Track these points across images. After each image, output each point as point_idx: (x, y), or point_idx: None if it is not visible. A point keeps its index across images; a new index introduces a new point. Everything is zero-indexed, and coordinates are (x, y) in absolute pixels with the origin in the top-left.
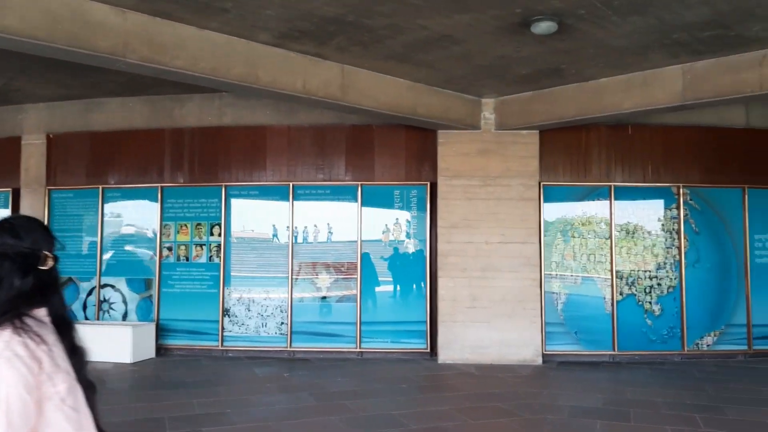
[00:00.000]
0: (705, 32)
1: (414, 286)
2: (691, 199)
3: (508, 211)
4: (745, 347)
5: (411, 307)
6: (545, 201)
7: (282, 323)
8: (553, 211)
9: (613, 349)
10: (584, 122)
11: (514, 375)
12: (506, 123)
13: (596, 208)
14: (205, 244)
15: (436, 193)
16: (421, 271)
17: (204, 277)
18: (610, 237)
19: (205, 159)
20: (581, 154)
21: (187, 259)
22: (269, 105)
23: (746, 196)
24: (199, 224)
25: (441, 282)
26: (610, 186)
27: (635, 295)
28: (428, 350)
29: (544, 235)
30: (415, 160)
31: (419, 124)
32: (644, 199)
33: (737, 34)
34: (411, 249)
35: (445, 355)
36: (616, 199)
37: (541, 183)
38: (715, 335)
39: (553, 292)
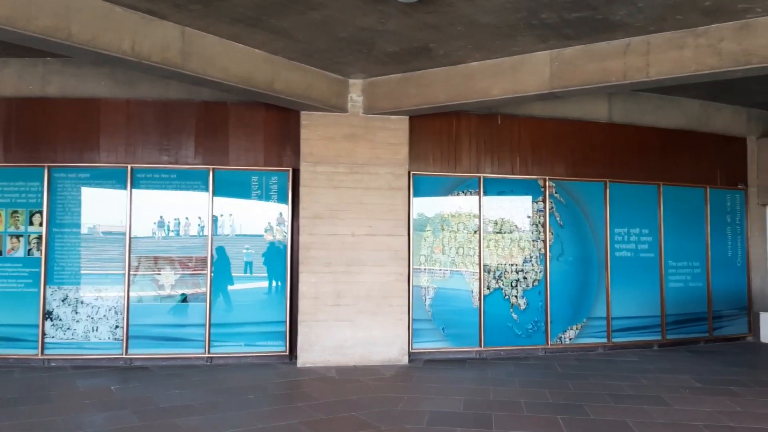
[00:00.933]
0: (573, 13)
1: (273, 282)
2: (556, 192)
3: (376, 201)
4: (604, 340)
5: (269, 306)
6: (415, 191)
7: (117, 327)
8: (422, 201)
9: (480, 345)
10: (455, 109)
11: (376, 377)
12: (375, 106)
13: (466, 200)
14: (22, 235)
15: (298, 181)
16: (281, 266)
17: (21, 274)
18: (479, 230)
19: (24, 135)
20: (452, 144)
21: (0, 253)
22: (105, 74)
23: (607, 190)
24: (15, 212)
25: (303, 277)
26: (480, 177)
27: (502, 289)
28: (287, 353)
29: (413, 228)
30: (275, 143)
31: (279, 102)
32: (512, 191)
33: (604, 18)
34: (270, 242)
35: (305, 358)
36: (485, 190)
37: (411, 172)
38: (577, 328)
39: (422, 287)
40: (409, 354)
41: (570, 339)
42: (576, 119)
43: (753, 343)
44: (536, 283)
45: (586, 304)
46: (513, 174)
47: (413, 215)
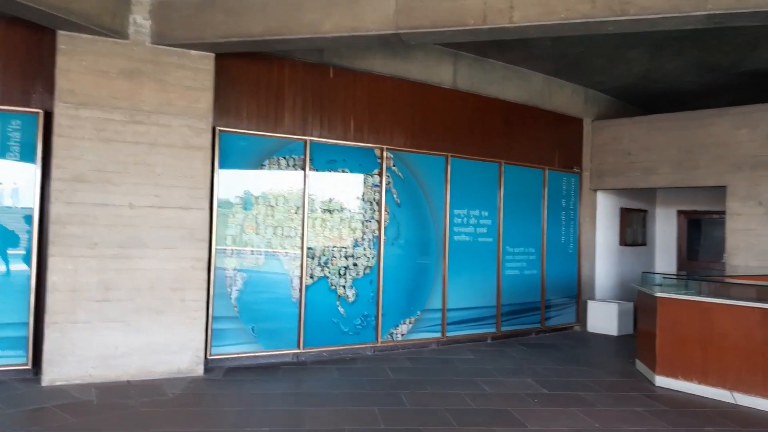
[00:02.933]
0: None
1: (12, 269)
2: (395, 165)
3: (166, 162)
4: (438, 334)
5: (2, 302)
6: (222, 153)
7: None
8: (232, 167)
9: (299, 347)
10: (277, 49)
11: (153, 399)
12: (168, 35)
13: (288, 168)
14: None
15: (51, 129)
16: (23, 247)
17: None
18: (303, 206)
19: None
20: (272, 96)
21: None
22: None
23: (449, 166)
24: None
25: (54, 263)
26: (306, 141)
27: (328, 277)
28: (30, 366)
29: (218, 200)
30: (19, 73)
31: (24, 13)
32: (345, 160)
33: None
34: (6, 214)
35: (54, 374)
36: (312, 158)
37: (217, 128)
38: (410, 322)
39: (227, 277)
40: (207, 362)
41: (402, 335)
42: (419, 81)
43: (580, 333)
44: (368, 271)
45: (421, 295)
46: (346, 140)
47: (218, 184)
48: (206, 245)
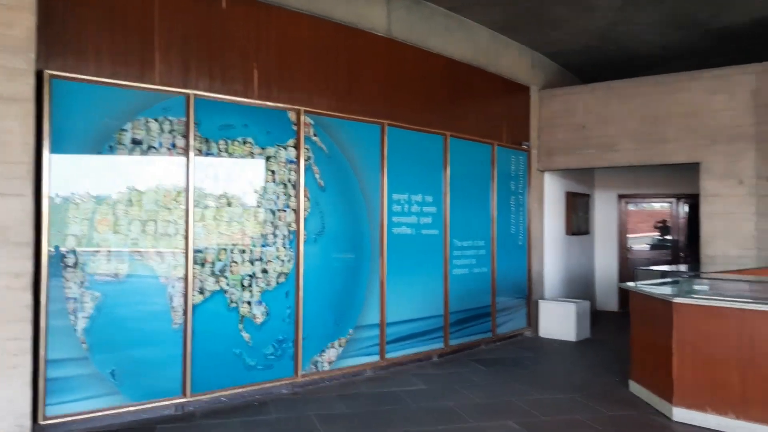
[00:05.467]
0: None
1: None
2: (316, 135)
3: None
4: (376, 357)
5: None
6: (56, 110)
7: None
8: (73, 131)
9: (184, 394)
10: None
11: None
12: None
13: (163, 135)
14: None
15: None
16: None
17: None
18: (186, 190)
19: None
20: (136, 27)
21: None
22: None
23: (385, 137)
24: None
25: None
26: (189, 96)
27: (226, 291)
28: None
29: (51, 181)
30: None
31: None
32: (246, 126)
33: None
34: None
35: None
36: (198, 121)
37: (47, 72)
38: (340, 345)
39: (69, 298)
40: (38, 429)
41: (330, 363)
42: (346, 24)
43: (533, 340)
44: (282, 279)
45: (354, 307)
46: (248, 98)
47: (50, 158)
48: (30, 252)
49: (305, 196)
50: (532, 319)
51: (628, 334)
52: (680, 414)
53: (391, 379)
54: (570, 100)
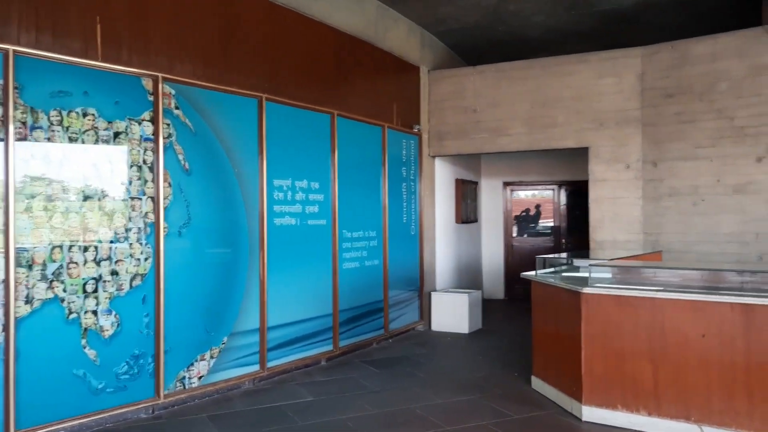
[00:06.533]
0: None
1: None
2: (178, 108)
3: None
4: (256, 367)
5: None
6: None
7: None
8: None
9: (7, 429)
10: None
11: None
12: None
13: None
14: None
15: None
16: None
17: None
18: (6, 172)
19: None
20: None
21: None
22: None
23: (264, 113)
24: None
25: None
26: (7, 52)
27: (63, 299)
28: None
29: None
30: None
31: None
32: (87, 93)
33: None
34: None
35: None
36: (21, 86)
37: None
38: (213, 356)
39: None
40: None
41: (201, 378)
42: None
43: (426, 334)
44: (138, 281)
45: (229, 312)
46: (89, 58)
47: None
48: None
49: (165, 181)
50: (425, 312)
51: (518, 322)
52: (590, 413)
53: (273, 391)
54: (460, 82)
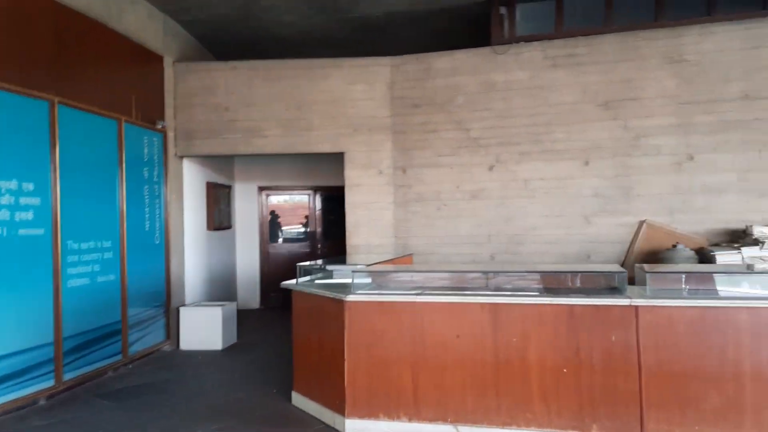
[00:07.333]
0: None
1: None
2: None
3: None
4: (51, 382)
5: None
6: None
7: None
8: None
9: None
10: None
11: None
12: None
13: None
14: None
15: None
16: None
17: None
18: None
19: None
20: None
21: None
22: None
23: None
24: None
25: None
26: None
27: None
28: None
29: None
30: None
31: None
32: None
33: None
34: None
35: None
36: None
37: None
38: None
39: None
40: None
41: None
42: None
43: (173, 354)
44: None
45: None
46: None
47: None
48: None
49: None
50: (172, 330)
51: (275, 333)
52: (353, 425)
53: (68, 415)
54: (211, 78)
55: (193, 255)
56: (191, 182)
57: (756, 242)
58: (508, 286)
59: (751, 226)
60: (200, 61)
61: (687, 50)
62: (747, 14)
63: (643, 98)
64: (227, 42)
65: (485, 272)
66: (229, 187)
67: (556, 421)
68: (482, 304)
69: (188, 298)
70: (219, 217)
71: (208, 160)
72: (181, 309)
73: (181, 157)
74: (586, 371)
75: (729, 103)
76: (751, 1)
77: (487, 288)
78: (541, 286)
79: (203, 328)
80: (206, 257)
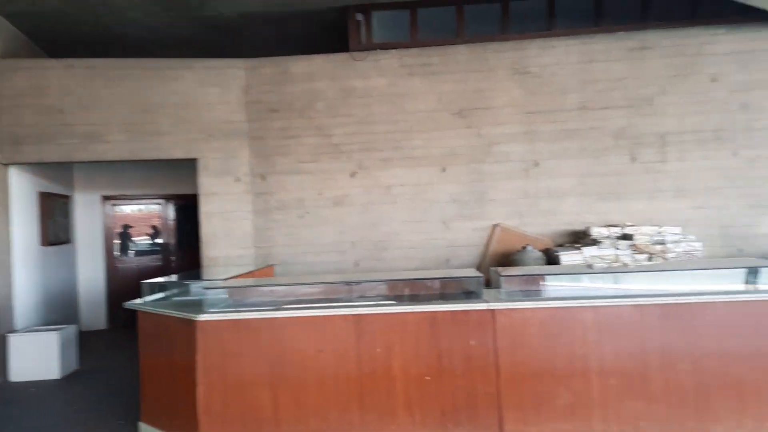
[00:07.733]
0: None
1: None
2: None
3: None
4: None
5: None
6: None
7: None
8: None
9: None
10: None
11: None
12: None
13: None
14: None
15: None
16: None
17: None
18: None
19: None
20: None
21: None
22: None
23: None
24: None
25: None
26: None
27: None
28: None
29: None
30: None
31: None
32: None
33: None
34: None
35: None
36: None
37: None
38: None
39: None
40: None
41: None
42: None
43: (2, 387)
44: None
45: None
46: None
47: None
48: None
49: None
50: (0, 360)
51: (124, 355)
52: None
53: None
54: (42, 76)
55: (24, 274)
56: (20, 193)
57: (594, 242)
58: (372, 294)
59: (589, 227)
60: (28, 59)
61: (530, 63)
62: (582, 30)
63: (493, 107)
64: (61, 39)
65: (348, 282)
66: (67, 197)
67: (420, 430)
68: (345, 316)
69: (19, 324)
70: (55, 230)
71: (41, 167)
72: (10, 336)
73: (7, 165)
74: (447, 377)
75: (568, 113)
76: (587, 17)
77: (350, 298)
78: (403, 294)
79: (37, 356)
80: (41, 275)
